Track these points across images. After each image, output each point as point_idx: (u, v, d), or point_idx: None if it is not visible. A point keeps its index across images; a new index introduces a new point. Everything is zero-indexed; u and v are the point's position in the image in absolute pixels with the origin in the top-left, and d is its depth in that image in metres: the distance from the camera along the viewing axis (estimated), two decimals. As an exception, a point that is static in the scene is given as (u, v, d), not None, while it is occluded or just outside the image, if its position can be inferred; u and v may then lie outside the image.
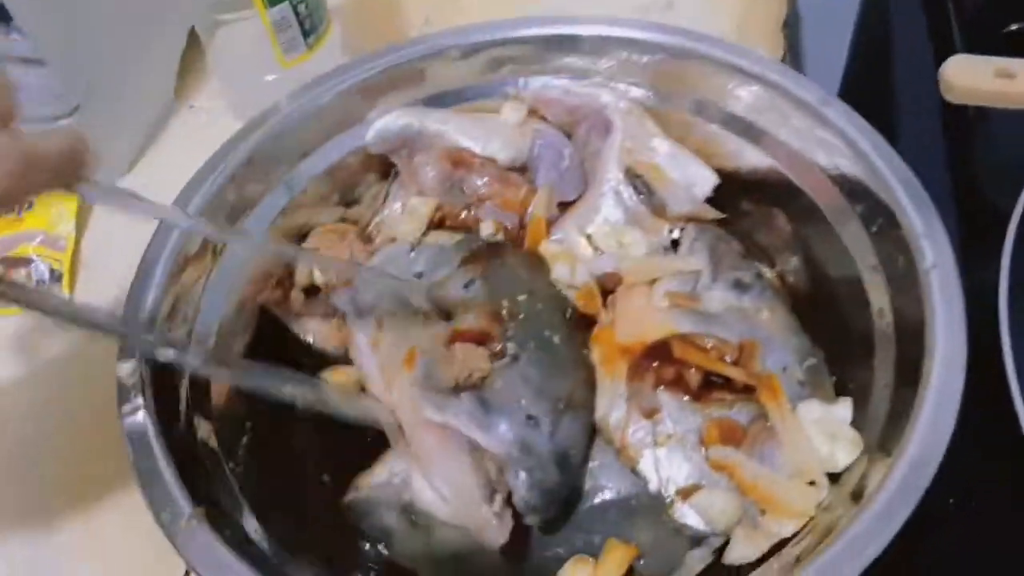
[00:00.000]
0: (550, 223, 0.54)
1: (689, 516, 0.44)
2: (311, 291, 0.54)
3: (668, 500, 0.45)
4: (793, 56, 0.71)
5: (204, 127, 0.68)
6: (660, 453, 0.45)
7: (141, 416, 0.42)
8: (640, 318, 0.49)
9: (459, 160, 0.54)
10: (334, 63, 0.56)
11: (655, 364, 0.46)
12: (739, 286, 0.50)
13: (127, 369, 0.43)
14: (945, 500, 0.47)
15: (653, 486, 0.45)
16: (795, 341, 0.48)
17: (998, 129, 0.59)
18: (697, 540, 0.44)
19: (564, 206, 0.56)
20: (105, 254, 0.64)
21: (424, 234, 0.55)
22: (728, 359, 0.47)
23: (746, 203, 0.55)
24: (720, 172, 0.54)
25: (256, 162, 0.51)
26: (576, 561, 0.44)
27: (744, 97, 0.53)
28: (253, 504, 0.44)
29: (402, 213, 0.55)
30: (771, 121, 0.52)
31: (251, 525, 0.43)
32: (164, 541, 0.39)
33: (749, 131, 0.53)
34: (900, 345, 0.44)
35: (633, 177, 0.54)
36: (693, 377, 0.46)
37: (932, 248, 0.43)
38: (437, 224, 0.56)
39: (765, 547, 0.42)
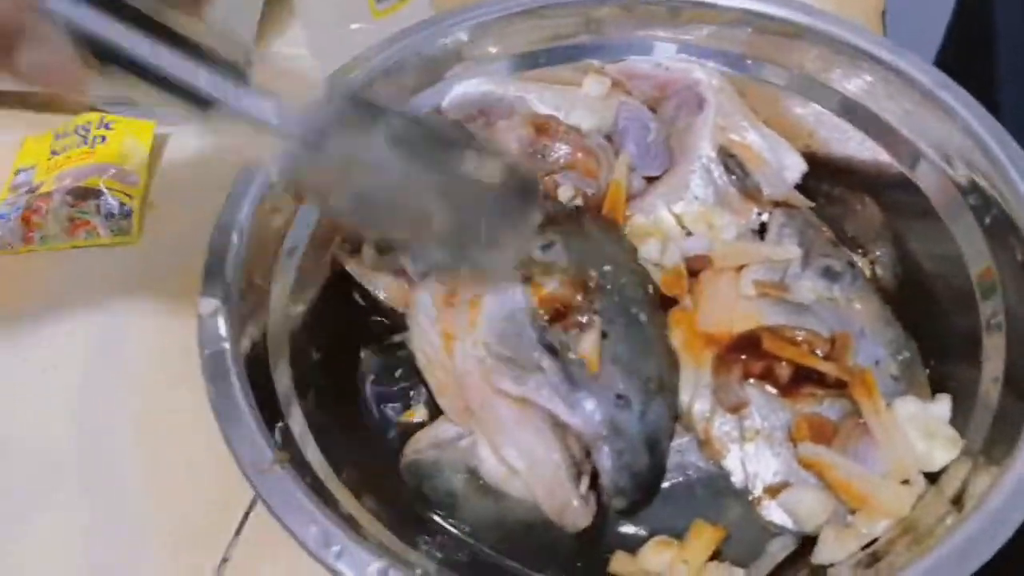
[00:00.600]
0: (633, 196, 0.53)
1: (775, 514, 0.43)
2: (384, 248, 0.52)
3: (754, 497, 0.43)
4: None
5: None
6: (748, 449, 0.44)
7: (223, 354, 0.41)
8: (727, 306, 0.47)
9: (543, 127, 0.53)
10: (424, 15, 0.55)
11: (743, 357, 0.45)
12: (830, 274, 0.48)
13: (209, 306, 0.42)
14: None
15: (738, 481, 0.44)
16: (889, 333, 0.47)
17: None
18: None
19: (650, 182, 0.54)
20: (178, 193, 0.62)
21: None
22: (819, 352, 0.45)
23: (838, 189, 0.53)
24: (812, 156, 0.53)
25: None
26: (658, 543, 0.43)
27: (850, 77, 0.51)
28: (324, 450, 0.43)
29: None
30: (878, 103, 0.50)
31: (323, 472, 0.42)
32: (228, 482, 0.38)
33: (852, 113, 0.51)
34: (1011, 346, 0.42)
35: (726, 156, 0.52)
36: (783, 371, 0.44)
37: None
38: None
39: (855, 547, 0.40)
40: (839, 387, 0.44)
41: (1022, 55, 0.63)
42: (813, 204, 0.52)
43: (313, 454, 0.43)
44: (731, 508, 0.44)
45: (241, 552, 0.48)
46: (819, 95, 0.53)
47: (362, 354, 0.50)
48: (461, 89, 0.54)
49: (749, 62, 0.54)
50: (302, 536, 0.36)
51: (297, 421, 0.44)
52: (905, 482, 0.41)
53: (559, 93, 0.54)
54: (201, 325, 0.42)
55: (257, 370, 0.43)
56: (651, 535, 0.44)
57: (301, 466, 0.41)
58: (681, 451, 0.45)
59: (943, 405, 0.43)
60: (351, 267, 0.51)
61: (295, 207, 0.49)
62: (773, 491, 0.43)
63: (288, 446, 0.41)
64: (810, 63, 0.52)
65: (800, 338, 0.45)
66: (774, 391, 0.45)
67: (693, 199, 0.52)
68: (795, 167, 0.52)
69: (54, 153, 0.62)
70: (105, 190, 0.60)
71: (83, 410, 0.53)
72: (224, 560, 0.47)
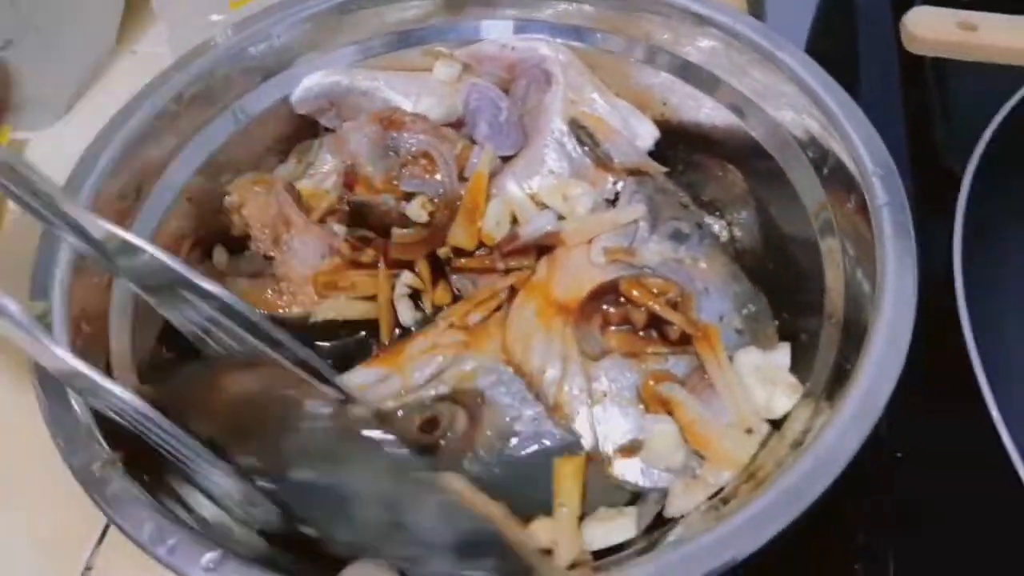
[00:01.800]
0: (493, 176, 0.53)
1: (629, 472, 0.43)
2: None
3: (605, 457, 0.43)
4: (757, 8, 0.70)
5: (146, 73, 0.65)
6: (596, 411, 0.44)
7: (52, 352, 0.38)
8: (578, 275, 0.47)
9: (390, 121, 0.52)
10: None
11: (603, 306, 0.46)
12: (677, 236, 0.49)
13: (39, 307, 0.41)
14: (892, 454, 0.46)
15: (588, 443, 0.44)
16: (735, 288, 0.48)
17: (955, 85, 0.59)
18: (634, 498, 0.43)
19: (504, 162, 0.54)
20: None
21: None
22: (672, 299, 0.46)
23: (694, 155, 0.54)
24: (667, 124, 0.53)
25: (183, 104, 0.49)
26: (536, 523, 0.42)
27: (697, 44, 0.52)
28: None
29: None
30: (723, 68, 0.51)
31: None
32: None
33: (701, 80, 0.52)
34: (849, 290, 0.43)
35: (577, 128, 0.52)
36: (639, 317, 0.45)
37: (883, 186, 0.42)
38: (355, 216, 0.52)
39: (703, 498, 0.41)
40: (683, 344, 0.45)
41: (877, 20, 0.64)
42: (667, 170, 0.53)
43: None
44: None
45: (104, 559, 0.47)
46: (667, 63, 0.53)
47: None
48: (308, 82, 0.54)
49: (597, 35, 0.54)
50: (136, 535, 0.36)
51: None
52: (748, 431, 0.42)
53: (409, 79, 0.54)
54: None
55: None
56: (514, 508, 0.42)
57: (138, 464, 0.39)
58: (537, 419, 0.44)
59: (783, 353, 0.44)
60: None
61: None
62: (625, 451, 0.43)
63: (123, 445, 0.39)
64: (656, 32, 0.53)
65: (655, 288, 0.46)
66: (621, 355, 0.45)
67: (548, 173, 0.52)
68: (647, 135, 0.53)
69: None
70: None
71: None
72: (87, 569, 0.47)
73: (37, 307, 0.41)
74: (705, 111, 0.53)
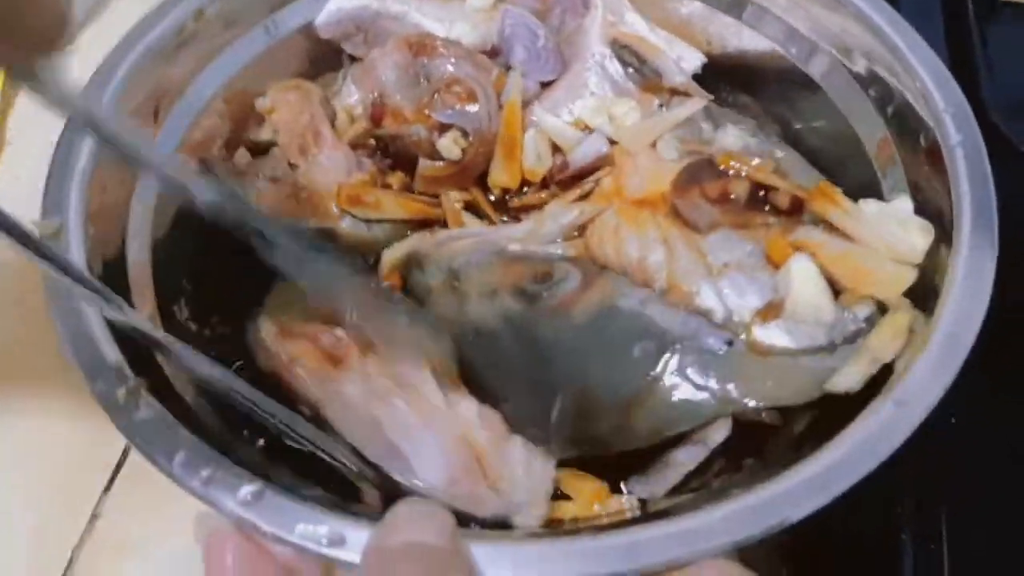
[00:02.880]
0: (528, 103, 0.49)
1: (773, 336, 0.39)
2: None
3: (741, 325, 0.39)
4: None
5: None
6: (721, 282, 0.40)
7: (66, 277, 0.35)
8: (653, 173, 0.44)
9: (421, 46, 0.49)
10: None
11: (700, 182, 0.43)
12: (745, 132, 0.47)
13: (50, 226, 0.37)
14: (947, 418, 0.42)
15: (719, 316, 0.39)
16: (816, 175, 0.46)
17: (999, 38, 0.59)
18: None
19: (544, 88, 0.51)
20: (35, 128, 0.58)
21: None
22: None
23: (741, 96, 0.52)
24: (712, 61, 0.51)
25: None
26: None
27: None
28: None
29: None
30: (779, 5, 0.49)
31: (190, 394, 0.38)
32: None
33: (743, 9, 0.50)
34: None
35: (619, 48, 0.50)
36: (740, 188, 0.42)
37: (955, 124, 0.40)
38: (384, 151, 0.49)
39: (870, 372, 0.37)
40: (794, 212, 0.42)
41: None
42: (712, 97, 0.50)
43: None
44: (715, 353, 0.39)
45: (112, 505, 0.44)
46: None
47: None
48: (334, 4, 0.50)
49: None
50: (166, 466, 0.32)
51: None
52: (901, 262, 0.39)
53: (441, 6, 0.51)
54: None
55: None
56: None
57: (164, 390, 0.36)
58: (644, 302, 0.40)
59: (903, 200, 0.42)
60: (222, 171, 0.46)
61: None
62: (764, 313, 0.39)
63: (148, 371, 0.35)
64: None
65: (752, 161, 0.43)
66: (728, 229, 0.42)
67: (590, 96, 0.49)
68: (692, 59, 0.51)
69: None
70: None
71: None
72: (94, 517, 0.44)
73: (49, 226, 0.37)
74: (753, 45, 0.51)
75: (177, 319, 0.42)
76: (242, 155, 0.47)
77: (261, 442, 0.38)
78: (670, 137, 0.46)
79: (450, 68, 0.48)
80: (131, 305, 0.39)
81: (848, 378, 0.37)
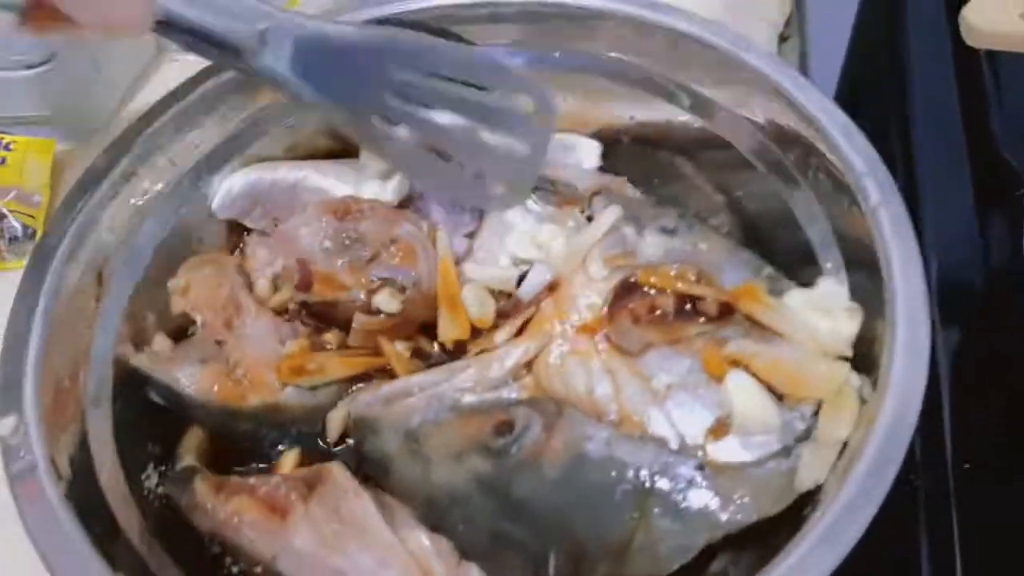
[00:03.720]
0: (461, 261, 0.49)
1: (728, 453, 0.39)
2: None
3: (699, 447, 0.40)
4: (797, 10, 0.70)
5: None
6: (668, 406, 0.41)
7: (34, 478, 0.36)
8: (586, 295, 0.45)
9: (345, 210, 0.48)
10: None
11: (627, 304, 0.43)
12: (666, 231, 0.47)
13: (8, 426, 0.37)
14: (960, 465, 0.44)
15: (674, 441, 0.40)
16: (744, 256, 0.46)
17: (1010, 74, 0.58)
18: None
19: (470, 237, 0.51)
20: None
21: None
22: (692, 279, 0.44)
23: (675, 154, 0.53)
24: (621, 129, 0.52)
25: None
26: None
27: (651, 48, 0.50)
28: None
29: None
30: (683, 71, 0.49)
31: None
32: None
33: (652, 84, 0.51)
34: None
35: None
36: (667, 302, 0.43)
37: (875, 186, 0.40)
38: (306, 309, 0.48)
39: (832, 458, 0.37)
40: (723, 316, 0.42)
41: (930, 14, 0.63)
42: (624, 176, 0.51)
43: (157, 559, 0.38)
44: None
45: None
46: (614, 70, 0.51)
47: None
48: (226, 186, 0.50)
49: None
50: None
51: (135, 531, 0.39)
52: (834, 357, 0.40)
53: (340, 166, 0.51)
54: (3, 450, 0.36)
55: (82, 485, 0.38)
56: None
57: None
58: (609, 442, 0.41)
59: (827, 284, 0.43)
60: (138, 362, 0.45)
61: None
62: (715, 432, 0.40)
63: (127, 564, 0.36)
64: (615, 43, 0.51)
65: (672, 272, 0.44)
66: (663, 346, 0.42)
67: (517, 231, 0.49)
68: (591, 152, 0.52)
69: (-48, 180, 0.60)
70: (7, 213, 0.59)
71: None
72: None
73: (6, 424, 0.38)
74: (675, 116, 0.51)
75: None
76: (161, 341, 0.47)
77: None
78: (596, 255, 0.46)
79: (385, 228, 0.48)
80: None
81: (812, 472, 0.38)
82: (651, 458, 0.40)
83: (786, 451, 0.39)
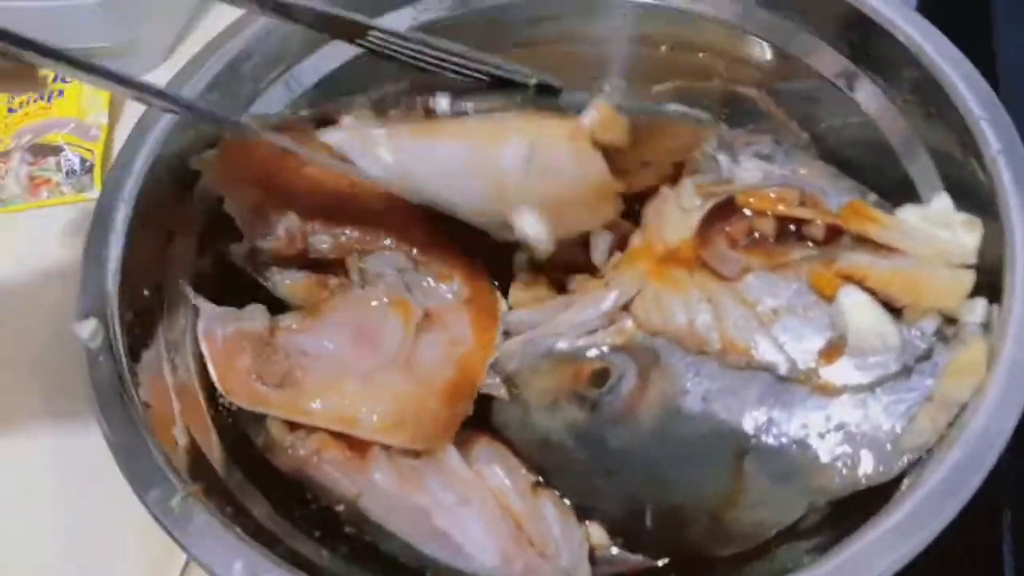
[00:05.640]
0: None
1: (842, 375, 0.38)
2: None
3: (807, 372, 0.38)
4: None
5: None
6: (775, 330, 0.39)
7: (112, 383, 0.36)
8: (678, 224, 0.43)
9: None
10: None
11: (723, 227, 0.41)
12: (761, 156, 0.45)
13: (88, 328, 0.37)
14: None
15: (784, 367, 0.38)
16: (847, 183, 0.44)
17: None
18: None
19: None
20: None
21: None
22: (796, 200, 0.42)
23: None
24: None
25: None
26: None
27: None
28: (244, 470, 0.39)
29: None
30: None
31: (251, 500, 0.38)
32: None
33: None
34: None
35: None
36: (767, 226, 0.41)
37: (995, 133, 0.38)
38: None
39: (945, 421, 0.35)
40: (830, 240, 0.41)
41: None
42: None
43: (233, 476, 0.38)
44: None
45: None
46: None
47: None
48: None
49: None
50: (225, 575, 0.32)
51: (213, 444, 0.39)
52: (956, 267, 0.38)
53: None
54: (86, 352, 0.36)
55: (158, 395, 0.38)
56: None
57: (220, 495, 0.36)
58: (706, 397, 0.39)
59: (942, 199, 0.41)
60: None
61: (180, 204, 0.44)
62: (827, 354, 0.38)
63: (201, 475, 0.36)
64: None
65: (772, 195, 0.42)
66: (765, 271, 0.40)
67: None
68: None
69: (11, 111, 0.62)
70: (65, 146, 0.60)
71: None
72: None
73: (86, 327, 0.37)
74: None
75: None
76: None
77: (317, 534, 0.38)
78: (688, 183, 0.44)
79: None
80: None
81: (923, 436, 0.36)
82: (754, 404, 0.38)
83: (905, 372, 0.37)
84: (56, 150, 0.58)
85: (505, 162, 0.38)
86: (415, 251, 0.44)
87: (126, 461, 0.34)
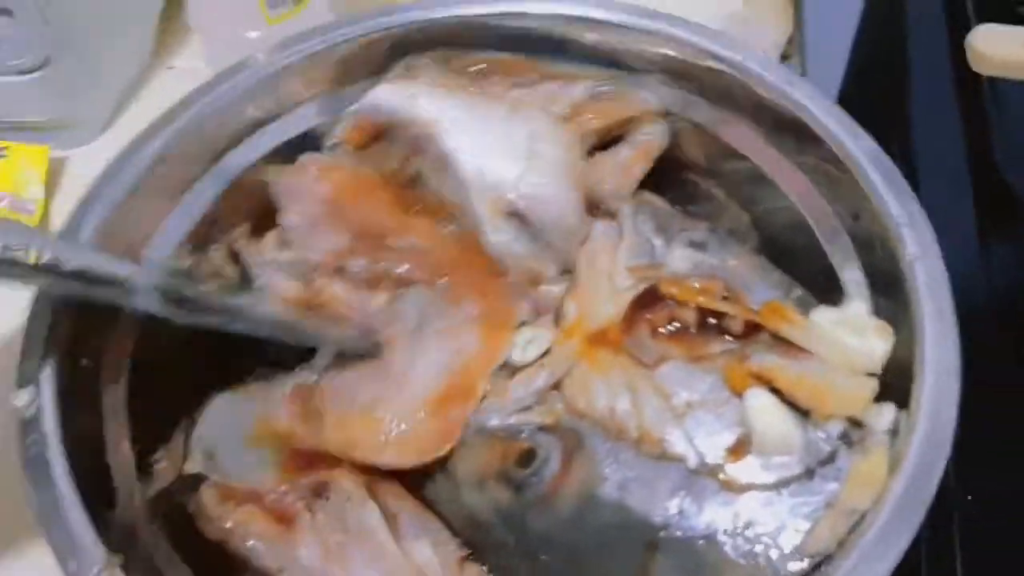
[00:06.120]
0: None
1: (747, 474, 0.39)
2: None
3: (714, 467, 0.39)
4: (798, 30, 0.69)
5: (183, 89, 0.63)
6: (688, 424, 0.40)
7: (42, 452, 0.36)
8: (608, 305, 0.44)
9: None
10: (322, 20, 0.53)
11: (645, 314, 0.43)
12: (695, 245, 0.47)
13: (24, 398, 0.37)
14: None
15: (692, 462, 0.40)
16: (775, 276, 0.46)
17: (1014, 107, 0.58)
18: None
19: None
20: None
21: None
22: (718, 294, 0.43)
23: (701, 176, 0.52)
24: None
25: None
26: None
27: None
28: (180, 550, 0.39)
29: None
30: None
31: (175, 572, 0.38)
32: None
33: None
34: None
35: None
36: (689, 315, 0.43)
37: (913, 237, 0.39)
38: None
39: (847, 525, 0.36)
40: (748, 335, 0.42)
41: (931, 41, 0.64)
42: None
43: (160, 547, 0.38)
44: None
45: None
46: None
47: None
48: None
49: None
50: None
51: (142, 512, 0.39)
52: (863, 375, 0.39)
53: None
54: (17, 423, 0.37)
55: (90, 462, 0.38)
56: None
57: (143, 568, 0.37)
58: (623, 485, 0.40)
59: (857, 304, 0.42)
60: (245, 248, 0.47)
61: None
62: (733, 452, 0.39)
63: (126, 546, 0.36)
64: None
65: (696, 286, 0.43)
66: (683, 362, 0.42)
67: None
68: None
69: (-55, 184, 0.62)
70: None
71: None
72: None
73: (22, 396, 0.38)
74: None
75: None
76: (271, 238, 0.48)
77: None
78: (621, 264, 0.46)
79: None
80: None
81: (821, 541, 0.36)
82: (666, 495, 0.39)
83: (808, 474, 0.38)
84: (-9, 224, 0.58)
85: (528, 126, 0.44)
86: (438, 280, 0.46)
87: (48, 530, 0.35)
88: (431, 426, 0.42)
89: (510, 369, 0.44)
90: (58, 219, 0.60)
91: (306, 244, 0.46)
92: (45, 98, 0.61)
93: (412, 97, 0.48)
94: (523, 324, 0.46)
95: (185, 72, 0.67)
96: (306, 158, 0.48)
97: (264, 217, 0.48)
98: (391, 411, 0.42)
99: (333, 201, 0.47)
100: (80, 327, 0.41)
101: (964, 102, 0.58)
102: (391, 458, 0.41)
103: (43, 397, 0.38)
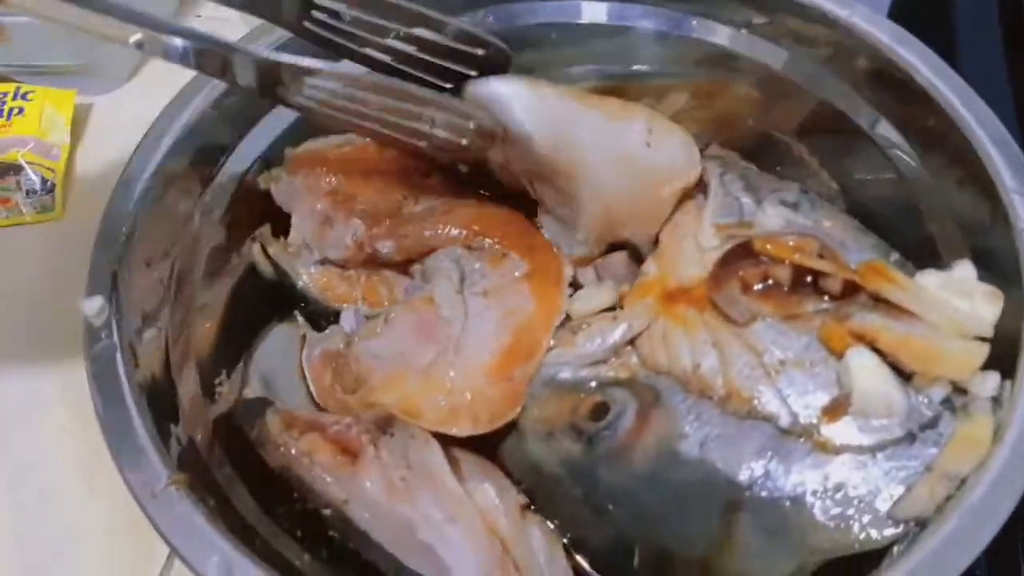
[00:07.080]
0: None
1: (843, 435, 0.37)
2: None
3: (808, 428, 0.37)
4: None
5: None
6: (780, 382, 0.39)
7: (111, 360, 0.36)
8: (694, 262, 0.43)
9: None
10: None
11: (738, 271, 0.41)
12: (787, 204, 0.45)
13: (95, 306, 0.37)
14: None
15: (785, 421, 0.38)
16: (870, 240, 0.44)
17: None
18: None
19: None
20: (102, 166, 0.60)
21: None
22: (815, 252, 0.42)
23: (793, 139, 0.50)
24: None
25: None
26: None
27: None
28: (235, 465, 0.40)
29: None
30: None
31: (233, 490, 0.39)
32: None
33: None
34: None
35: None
36: (783, 273, 0.41)
37: None
38: None
39: (945, 492, 0.35)
40: (847, 295, 0.40)
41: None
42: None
43: (223, 469, 0.39)
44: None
45: None
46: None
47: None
48: None
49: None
50: (202, 568, 0.32)
51: (206, 434, 0.39)
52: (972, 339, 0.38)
53: None
54: (86, 328, 0.37)
55: (156, 377, 0.38)
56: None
57: (206, 486, 0.36)
58: (704, 443, 0.38)
59: (965, 267, 0.40)
60: (274, 251, 0.47)
61: (201, 187, 0.45)
62: (830, 412, 0.37)
63: (190, 464, 0.36)
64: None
65: (791, 244, 0.42)
66: (776, 320, 0.40)
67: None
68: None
69: (-32, 128, 0.63)
70: (25, 165, 0.58)
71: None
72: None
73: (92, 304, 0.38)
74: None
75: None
76: (295, 237, 0.47)
77: (300, 535, 0.39)
78: (707, 222, 0.45)
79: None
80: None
81: (919, 504, 0.35)
82: (752, 455, 0.38)
83: (909, 439, 0.36)
84: (16, 169, 0.57)
85: (632, 136, 0.43)
86: (474, 240, 0.45)
87: (115, 440, 0.35)
88: (498, 390, 0.41)
89: (577, 322, 0.44)
90: (82, 164, 0.60)
91: (324, 244, 0.46)
92: (71, 43, 0.60)
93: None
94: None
95: (213, 21, 0.66)
96: (290, 153, 0.48)
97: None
98: (453, 380, 0.41)
99: (334, 192, 0.47)
100: (151, 237, 0.40)
101: (1012, 56, 0.57)
102: (464, 428, 0.40)
103: (118, 305, 0.38)
